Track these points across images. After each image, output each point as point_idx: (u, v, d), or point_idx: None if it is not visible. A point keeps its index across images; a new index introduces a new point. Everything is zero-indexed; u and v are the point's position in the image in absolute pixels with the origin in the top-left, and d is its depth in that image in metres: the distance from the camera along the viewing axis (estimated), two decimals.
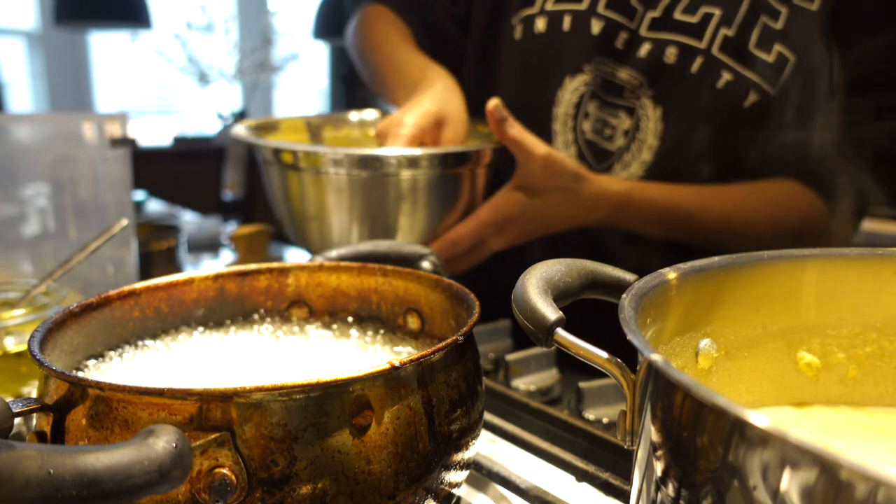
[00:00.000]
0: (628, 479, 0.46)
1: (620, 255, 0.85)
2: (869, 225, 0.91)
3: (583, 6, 0.87)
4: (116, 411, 0.36)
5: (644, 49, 0.85)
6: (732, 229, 0.84)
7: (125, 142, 0.90)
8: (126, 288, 0.52)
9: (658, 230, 0.84)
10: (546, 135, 0.88)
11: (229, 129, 4.87)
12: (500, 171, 0.83)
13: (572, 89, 0.88)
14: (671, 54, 0.83)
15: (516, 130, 0.76)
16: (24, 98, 5.14)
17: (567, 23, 0.88)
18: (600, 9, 0.86)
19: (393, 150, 0.75)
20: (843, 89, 0.82)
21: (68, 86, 5.25)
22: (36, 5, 4.99)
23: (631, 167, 0.87)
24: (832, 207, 0.86)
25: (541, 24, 0.90)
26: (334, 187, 0.77)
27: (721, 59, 0.82)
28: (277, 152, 0.80)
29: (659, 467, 0.30)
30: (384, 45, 0.98)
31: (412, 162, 0.76)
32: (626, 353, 0.34)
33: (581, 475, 0.54)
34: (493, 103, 0.76)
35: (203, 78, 5.53)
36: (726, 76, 0.82)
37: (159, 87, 5.70)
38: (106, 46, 5.39)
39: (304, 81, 6.34)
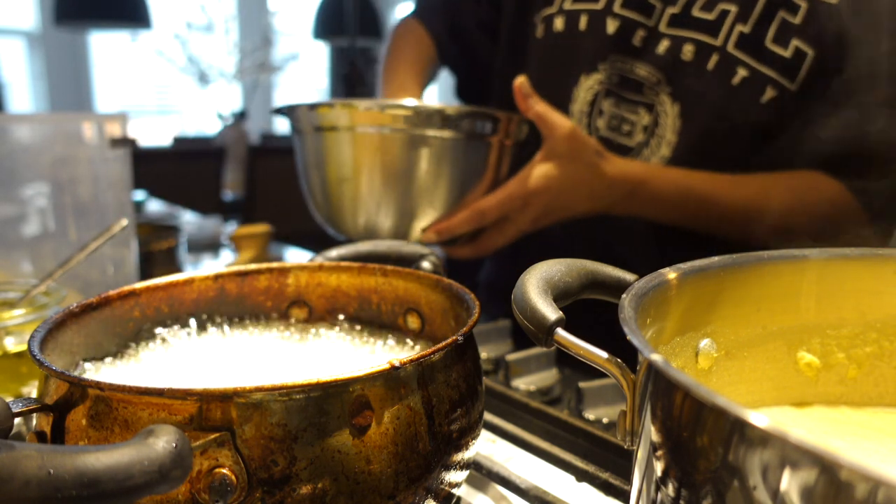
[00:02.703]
0: (628, 479, 0.46)
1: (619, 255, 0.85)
2: None
3: (599, 6, 0.88)
4: (116, 411, 0.36)
5: (662, 46, 0.85)
6: (754, 216, 0.82)
7: (125, 142, 0.90)
8: (126, 288, 0.52)
9: (675, 216, 0.83)
10: None
11: (229, 129, 4.87)
12: (525, 155, 0.85)
13: (587, 87, 0.89)
14: (688, 51, 0.84)
15: (541, 106, 0.79)
16: (24, 98, 5.14)
17: (583, 22, 0.89)
18: (616, 8, 0.87)
19: (419, 103, 0.80)
20: (867, 80, 0.81)
21: (68, 86, 5.25)
22: (36, 5, 4.99)
23: (649, 163, 0.87)
24: (864, 203, 0.84)
25: (559, 24, 0.91)
26: (368, 145, 0.81)
27: (736, 56, 0.82)
28: (314, 107, 0.83)
29: (659, 467, 0.30)
30: (389, 68, 1.02)
31: (445, 118, 0.79)
32: (626, 353, 0.34)
33: (581, 475, 0.54)
34: (520, 80, 0.80)
35: (203, 78, 5.53)
36: (742, 72, 0.82)
37: (159, 87, 5.70)
38: (106, 46, 5.39)
39: (304, 81, 6.34)
